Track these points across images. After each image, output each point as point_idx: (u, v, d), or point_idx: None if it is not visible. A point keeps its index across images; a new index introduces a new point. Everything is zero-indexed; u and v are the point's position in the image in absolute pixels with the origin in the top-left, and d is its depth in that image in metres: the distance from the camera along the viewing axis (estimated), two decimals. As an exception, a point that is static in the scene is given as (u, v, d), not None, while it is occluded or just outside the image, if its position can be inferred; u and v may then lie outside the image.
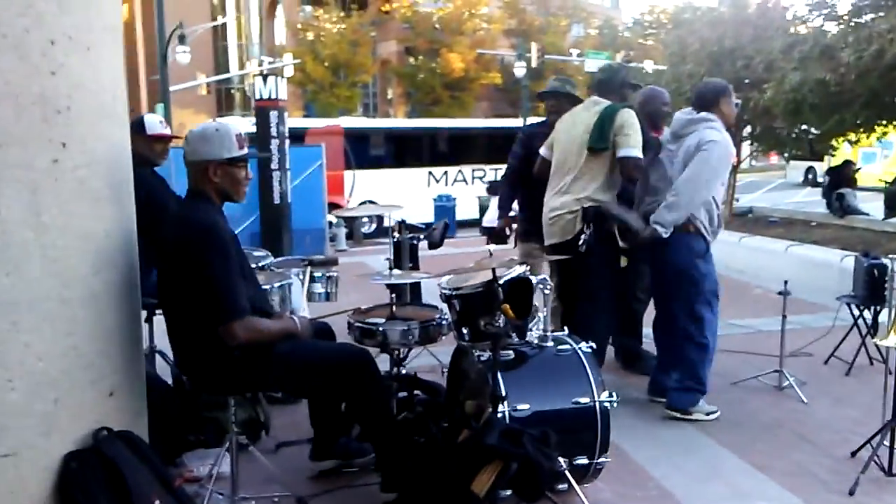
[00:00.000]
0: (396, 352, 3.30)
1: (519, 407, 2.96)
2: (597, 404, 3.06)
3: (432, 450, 2.93)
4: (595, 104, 4.27)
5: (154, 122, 4.28)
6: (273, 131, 12.47)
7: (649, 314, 4.67)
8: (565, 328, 3.48)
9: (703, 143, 4.01)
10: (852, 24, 9.05)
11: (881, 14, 8.71)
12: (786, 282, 4.49)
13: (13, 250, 2.32)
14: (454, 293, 3.19)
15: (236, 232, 10.36)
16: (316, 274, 4.31)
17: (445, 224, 4.55)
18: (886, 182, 12.65)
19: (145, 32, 36.63)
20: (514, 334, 3.08)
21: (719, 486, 3.37)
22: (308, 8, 38.08)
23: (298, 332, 2.96)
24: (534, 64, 28.35)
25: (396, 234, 4.71)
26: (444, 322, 3.30)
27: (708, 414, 4.17)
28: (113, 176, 2.74)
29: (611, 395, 3.08)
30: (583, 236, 4.09)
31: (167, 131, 4.30)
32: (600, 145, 4.09)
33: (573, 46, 35.39)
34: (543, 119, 5.05)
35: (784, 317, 4.52)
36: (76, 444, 2.52)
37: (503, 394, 2.84)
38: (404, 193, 18.12)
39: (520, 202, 5.10)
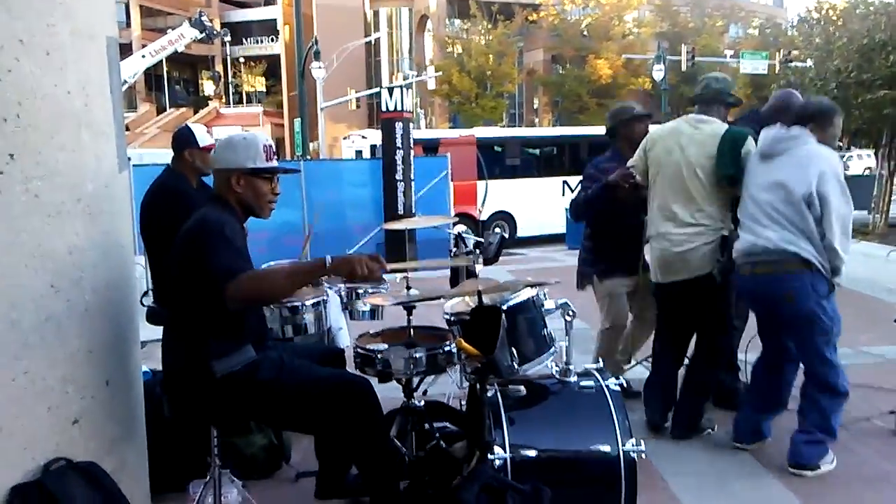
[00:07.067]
0: (403, 380, 2.95)
1: (524, 452, 2.54)
2: (621, 453, 2.58)
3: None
4: (702, 122, 3.87)
5: (203, 133, 4.19)
6: (398, 142, 12.53)
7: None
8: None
9: (825, 167, 3.41)
10: None
11: None
12: (904, 307, 3.73)
13: (-53, 269, 2.20)
14: (454, 319, 2.81)
15: (363, 242, 10.29)
16: (360, 290, 4.02)
17: (502, 237, 4.12)
18: None
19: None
20: (511, 368, 2.64)
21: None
22: (457, 21, 38.54)
23: (327, 268, 2.51)
24: (683, 67, 27.01)
25: (453, 249, 4.33)
26: (453, 349, 2.92)
27: (831, 462, 3.55)
28: (82, 188, 2.58)
29: (638, 443, 2.58)
30: (717, 264, 3.70)
31: (213, 140, 4.22)
32: (737, 174, 3.69)
33: (730, 47, 33.50)
34: (611, 154, 4.54)
35: (903, 349, 3.78)
36: (27, 476, 2.37)
37: (493, 438, 2.43)
38: (538, 203, 17.76)
39: (594, 236, 4.58)
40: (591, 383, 2.75)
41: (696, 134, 3.81)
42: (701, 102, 3.99)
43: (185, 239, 2.64)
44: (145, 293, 3.93)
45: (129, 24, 40.66)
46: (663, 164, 3.86)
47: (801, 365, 3.61)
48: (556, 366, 2.83)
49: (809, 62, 22.37)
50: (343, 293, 4.02)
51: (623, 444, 2.58)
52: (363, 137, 19.89)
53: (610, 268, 4.43)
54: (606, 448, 2.59)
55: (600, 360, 4.47)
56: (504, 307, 2.65)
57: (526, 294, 2.81)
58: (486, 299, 2.71)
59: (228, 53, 46.31)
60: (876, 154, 11.29)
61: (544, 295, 2.93)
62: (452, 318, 2.94)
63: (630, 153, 4.22)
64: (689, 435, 3.88)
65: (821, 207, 3.36)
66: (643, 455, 2.59)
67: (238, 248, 2.59)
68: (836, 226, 3.35)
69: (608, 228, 4.43)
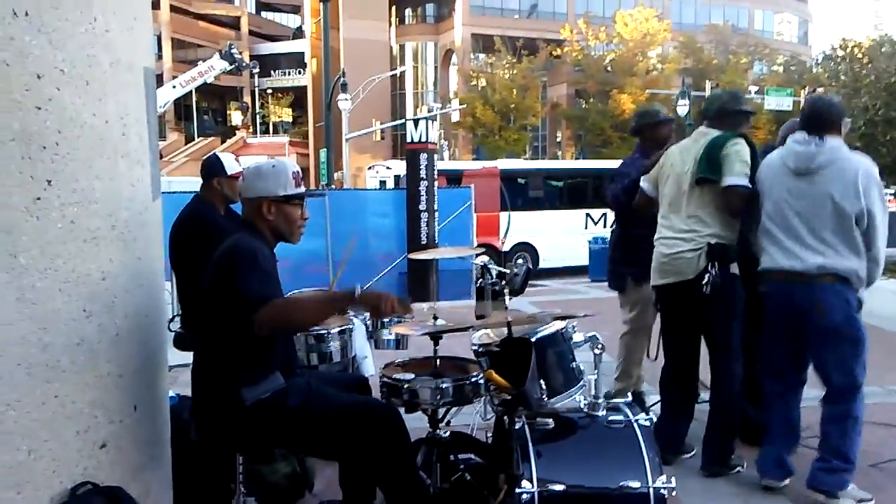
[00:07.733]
0: (429, 411, 2.93)
1: (552, 487, 2.50)
2: (650, 490, 2.53)
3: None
4: (704, 135, 3.91)
5: (231, 162, 4.24)
6: (422, 173, 12.62)
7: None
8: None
9: (868, 179, 3.39)
10: None
11: None
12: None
13: (-17, 292, 2.22)
14: (481, 350, 2.80)
15: (385, 271, 10.37)
16: (384, 319, 4.01)
17: (528, 269, 4.11)
18: None
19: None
20: (540, 401, 2.62)
21: None
22: (481, 56, 38.95)
23: (356, 299, 2.57)
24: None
25: (479, 280, 4.33)
26: (480, 380, 2.90)
27: (860, 501, 3.45)
28: (117, 215, 2.61)
29: (668, 480, 2.54)
30: (707, 276, 3.65)
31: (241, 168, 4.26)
32: (708, 175, 3.73)
33: (754, 84, 33.50)
34: (638, 153, 4.70)
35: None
36: (54, 500, 2.38)
37: (521, 472, 2.40)
38: (561, 235, 17.77)
39: (629, 238, 4.64)
40: (620, 418, 2.71)
41: (696, 147, 3.88)
42: (706, 119, 4.03)
43: (218, 263, 2.67)
44: (172, 318, 3.96)
45: (160, 56, 41.51)
46: (668, 175, 3.98)
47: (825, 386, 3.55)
48: (585, 399, 2.80)
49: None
50: (368, 322, 4.03)
51: (653, 481, 2.54)
52: (387, 168, 20.09)
53: (644, 271, 4.44)
54: (636, 484, 2.54)
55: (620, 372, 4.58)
56: (533, 339, 2.64)
57: (555, 327, 2.80)
58: (514, 331, 2.70)
59: (257, 85, 47.10)
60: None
61: (573, 328, 2.91)
62: (480, 349, 2.93)
63: (655, 151, 4.41)
64: (718, 472, 3.82)
65: (867, 220, 3.36)
66: (674, 492, 2.55)
67: (269, 275, 2.61)
68: (880, 238, 3.38)
69: (640, 231, 4.45)
